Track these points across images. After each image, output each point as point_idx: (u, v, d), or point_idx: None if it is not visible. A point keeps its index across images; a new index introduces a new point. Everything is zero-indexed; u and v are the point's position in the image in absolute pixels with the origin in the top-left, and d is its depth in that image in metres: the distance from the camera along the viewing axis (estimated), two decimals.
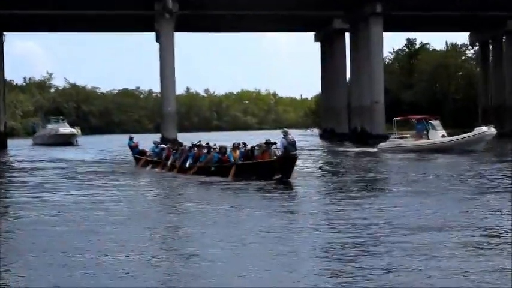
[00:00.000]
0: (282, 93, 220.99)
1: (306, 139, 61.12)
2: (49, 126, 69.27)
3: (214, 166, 22.07)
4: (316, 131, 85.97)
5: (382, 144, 39.52)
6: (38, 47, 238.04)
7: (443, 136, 36.84)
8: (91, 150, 49.71)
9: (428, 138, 36.79)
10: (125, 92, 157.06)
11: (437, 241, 9.45)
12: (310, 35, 70.78)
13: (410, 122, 41.70)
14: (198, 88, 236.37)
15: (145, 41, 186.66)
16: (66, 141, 63.46)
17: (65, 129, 66.77)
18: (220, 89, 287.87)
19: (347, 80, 65.13)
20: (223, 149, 22.47)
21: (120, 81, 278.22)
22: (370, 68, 53.89)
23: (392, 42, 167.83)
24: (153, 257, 8.95)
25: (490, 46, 68.96)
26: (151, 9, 52.03)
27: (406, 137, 38.70)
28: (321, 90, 73.63)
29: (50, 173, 26.61)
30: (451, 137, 36.84)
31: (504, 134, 57.77)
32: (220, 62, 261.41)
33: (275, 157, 20.56)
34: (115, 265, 8.51)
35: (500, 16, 60.36)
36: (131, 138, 32.48)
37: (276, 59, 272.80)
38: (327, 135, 65.12)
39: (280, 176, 19.58)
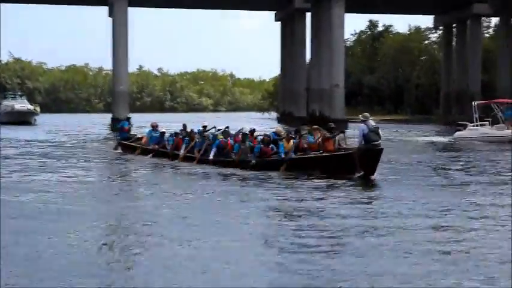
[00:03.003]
0: (240, 74, 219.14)
1: (265, 123, 59.15)
2: (5, 102, 64.73)
3: (254, 160, 17.87)
4: (274, 114, 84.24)
5: (461, 134, 32.94)
6: None
7: None
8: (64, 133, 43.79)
9: None
10: (73, 69, 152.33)
11: None
12: (271, 14, 68.80)
13: (492, 107, 34.62)
14: (151, 66, 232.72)
15: (96, 15, 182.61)
16: (24, 119, 58.75)
17: (22, 106, 61.41)
18: (174, 68, 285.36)
19: (307, 62, 63.46)
20: (266, 139, 18.29)
21: (68, 57, 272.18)
22: (331, 50, 52.48)
23: (355, 23, 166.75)
24: None
25: (454, 30, 67.87)
26: None
27: (484, 125, 33.02)
28: (280, 72, 71.87)
29: None
30: None
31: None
32: (175, 39, 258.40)
33: (341, 148, 17.06)
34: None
35: None
36: (128, 119, 27.82)
37: (234, 39, 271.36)
38: (285, 118, 63.41)
39: (362, 173, 15.73)
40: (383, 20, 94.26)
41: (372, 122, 16.25)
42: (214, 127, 22.24)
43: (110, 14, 52.77)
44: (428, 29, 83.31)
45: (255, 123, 43.63)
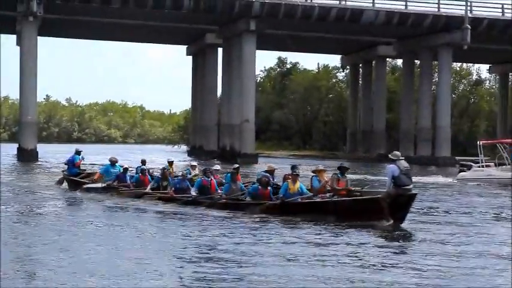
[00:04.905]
0: (150, 106, 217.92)
1: (176, 156, 58.79)
2: None
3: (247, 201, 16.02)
4: (184, 147, 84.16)
5: (464, 174, 31.17)
6: None
7: None
8: None
9: None
10: None
11: None
12: (183, 48, 69.18)
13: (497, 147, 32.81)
14: (59, 96, 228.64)
15: (3, 43, 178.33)
16: None
17: None
18: (83, 98, 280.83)
19: (218, 96, 64.01)
20: (264, 180, 15.94)
21: None
22: (242, 85, 53.12)
23: (265, 60, 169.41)
24: None
25: (361, 70, 70.12)
26: (13, 10, 48.40)
27: (490, 166, 31.24)
28: (191, 106, 72.13)
29: None
30: None
31: (370, 159, 58.68)
32: (85, 70, 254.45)
33: (351, 190, 15.39)
34: None
35: (371, 41, 61.65)
36: (79, 153, 24.15)
37: (145, 71, 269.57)
38: (195, 152, 63.62)
39: (391, 221, 13.73)
40: (292, 57, 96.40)
41: (403, 163, 14.14)
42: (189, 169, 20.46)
43: (18, 43, 51.64)
44: (335, 68, 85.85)
45: (167, 155, 43.24)
